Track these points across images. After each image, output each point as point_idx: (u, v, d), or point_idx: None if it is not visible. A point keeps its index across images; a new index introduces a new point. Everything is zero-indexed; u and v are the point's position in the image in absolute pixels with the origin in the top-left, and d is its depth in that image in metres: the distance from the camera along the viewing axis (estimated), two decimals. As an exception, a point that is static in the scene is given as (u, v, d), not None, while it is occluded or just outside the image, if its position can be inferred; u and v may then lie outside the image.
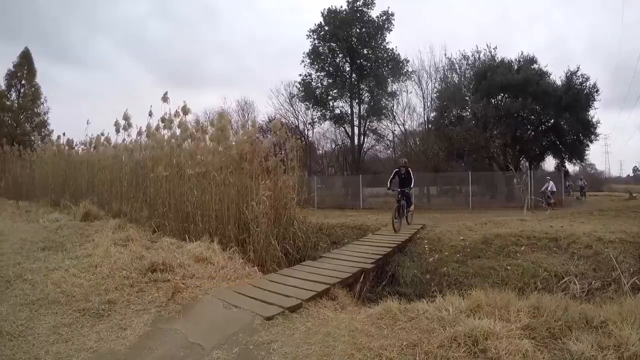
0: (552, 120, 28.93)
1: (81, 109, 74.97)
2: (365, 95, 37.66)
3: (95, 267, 6.78)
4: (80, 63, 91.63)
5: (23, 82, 40.86)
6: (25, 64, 40.68)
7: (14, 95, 40.63)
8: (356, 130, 38.15)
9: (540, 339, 3.64)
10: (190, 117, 11.89)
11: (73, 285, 5.97)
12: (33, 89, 41.26)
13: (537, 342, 3.56)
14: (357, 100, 37.31)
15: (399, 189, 12.86)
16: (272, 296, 5.60)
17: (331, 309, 5.41)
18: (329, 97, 37.78)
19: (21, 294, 5.72)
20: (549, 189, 22.53)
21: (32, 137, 37.18)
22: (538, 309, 4.09)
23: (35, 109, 41.60)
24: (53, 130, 39.97)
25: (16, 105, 40.36)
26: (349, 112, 37.71)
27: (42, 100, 41.95)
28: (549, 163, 33.98)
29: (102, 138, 15.28)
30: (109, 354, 4.24)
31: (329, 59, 37.00)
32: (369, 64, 36.51)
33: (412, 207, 13.99)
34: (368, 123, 38.28)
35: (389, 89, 37.06)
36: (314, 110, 38.76)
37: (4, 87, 40.04)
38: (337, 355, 3.82)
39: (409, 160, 15.03)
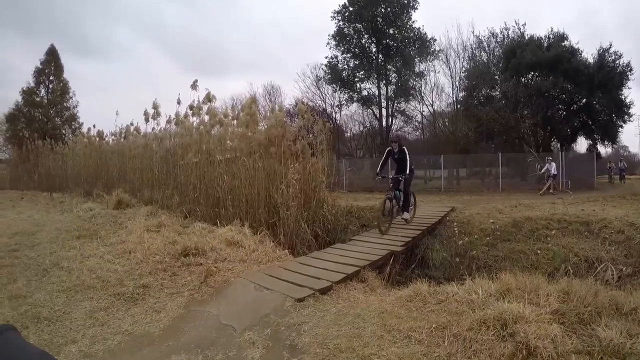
0: (584, 100, 28.13)
1: (105, 101, 76.31)
2: (393, 76, 37.43)
3: (129, 253, 6.99)
4: (101, 54, 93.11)
5: (51, 77, 41.73)
6: (52, 60, 41.49)
7: (42, 92, 41.53)
8: (384, 112, 38.02)
9: (569, 324, 3.62)
10: (218, 104, 11.97)
11: (108, 271, 6.16)
12: (61, 84, 42.09)
13: (566, 328, 3.55)
14: (384, 82, 37.06)
15: (391, 176, 10.14)
16: (302, 278, 5.69)
17: (361, 291, 5.47)
18: (356, 79, 37.67)
19: (58, 281, 5.92)
20: (551, 171, 21.21)
21: (63, 131, 38.76)
22: (568, 294, 4.07)
23: (65, 104, 42.46)
24: (83, 123, 41.06)
25: (46, 101, 41.21)
26: (376, 94, 37.57)
27: (70, 94, 42.92)
28: (581, 145, 33.25)
29: (132, 128, 15.67)
30: (143, 336, 4.38)
31: (354, 40, 36.76)
32: (395, 44, 36.14)
33: (413, 201, 10.72)
34: (396, 104, 38.04)
35: (416, 69, 36.64)
36: (341, 93, 38.78)
37: (32, 84, 40.96)
38: (366, 336, 3.88)
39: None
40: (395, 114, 38.56)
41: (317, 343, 3.88)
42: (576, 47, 28.19)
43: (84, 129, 27.92)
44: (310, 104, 37.96)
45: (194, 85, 11.51)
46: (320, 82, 39.41)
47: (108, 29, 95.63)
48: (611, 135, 29.25)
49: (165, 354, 3.95)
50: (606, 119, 28.40)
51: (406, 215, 10.24)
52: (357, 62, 37.14)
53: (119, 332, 4.44)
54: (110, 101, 74.93)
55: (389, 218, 9.68)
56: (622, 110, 27.76)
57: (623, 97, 27.50)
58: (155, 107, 13.49)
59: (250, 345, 4.00)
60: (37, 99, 40.76)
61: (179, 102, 12.50)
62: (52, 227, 9.82)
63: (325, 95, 39.88)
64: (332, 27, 38.37)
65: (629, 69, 26.95)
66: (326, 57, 37.76)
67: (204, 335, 4.32)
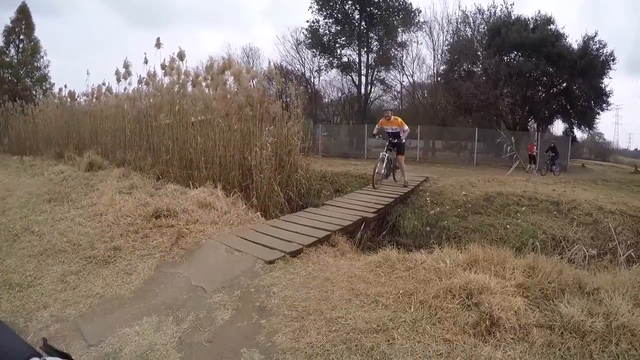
0: (564, 84, 28.62)
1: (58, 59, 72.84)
2: (374, 44, 37.39)
3: (100, 215, 6.90)
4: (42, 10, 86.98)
5: (22, 37, 40.27)
6: (23, 19, 39.91)
7: (12, 51, 40.15)
8: (363, 79, 38.01)
9: (533, 298, 3.70)
10: (193, 63, 11.75)
11: (79, 234, 6.09)
12: (32, 43, 40.63)
13: (530, 301, 3.63)
14: (365, 49, 36.97)
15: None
16: (274, 241, 5.70)
17: (331, 255, 5.53)
18: (337, 45, 37.53)
19: (29, 245, 5.83)
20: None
21: (34, 92, 37.54)
22: (533, 269, 4.14)
23: (35, 63, 41.08)
24: (54, 84, 40.01)
25: (15, 60, 39.90)
26: (357, 61, 37.52)
27: (41, 54, 41.50)
28: (558, 127, 33.80)
29: (104, 88, 15.21)
30: (115, 298, 4.38)
31: (337, 6, 36.38)
32: (379, 12, 35.94)
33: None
34: (376, 73, 38.07)
35: (399, 39, 36.80)
36: (320, 58, 38.50)
37: (2, 44, 39.54)
38: (335, 299, 3.93)
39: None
40: (375, 82, 38.59)
41: (286, 305, 3.92)
42: (562, 31, 28.67)
43: (55, 90, 27.22)
44: (289, 67, 37.64)
45: (158, 44, 11.23)
46: (300, 46, 38.92)
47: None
48: (588, 121, 30.02)
49: (137, 316, 3.95)
50: (584, 104, 29.07)
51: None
52: (338, 28, 36.82)
53: (90, 295, 4.42)
54: (60, 59, 71.30)
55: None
56: (601, 97, 28.43)
57: (603, 86, 28.10)
58: (125, 66, 13.15)
59: (221, 307, 4.03)
60: (7, 59, 39.41)
61: (146, 61, 12.21)
62: (22, 191, 9.71)
63: (305, 59, 39.46)
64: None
65: (612, 58, 27.49)
66: (307, 21, 37.40)
67: (174, 296, 4.33)
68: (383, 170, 11.00)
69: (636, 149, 70.59)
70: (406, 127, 11.19)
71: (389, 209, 9.36)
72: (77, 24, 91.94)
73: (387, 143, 11.12)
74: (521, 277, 3.98)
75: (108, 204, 7.40)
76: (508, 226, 8.70)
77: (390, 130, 11.19)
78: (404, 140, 11.29)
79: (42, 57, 41.44)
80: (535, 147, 23.68)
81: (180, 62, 11.32)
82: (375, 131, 12.16)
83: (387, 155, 10.99)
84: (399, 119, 11.25)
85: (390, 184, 11.26)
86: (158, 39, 11.33)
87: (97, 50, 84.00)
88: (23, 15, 39.93)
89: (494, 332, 3.19)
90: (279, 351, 3.22)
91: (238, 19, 77.34)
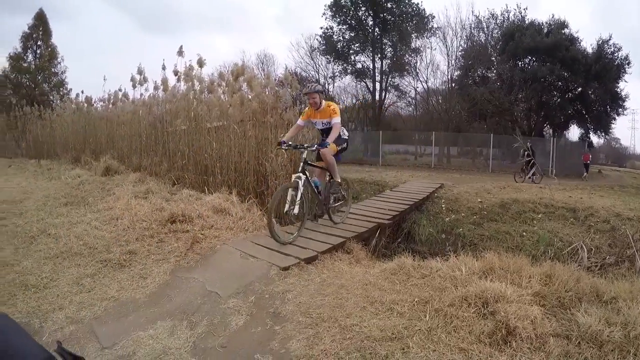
0: (579, 89, 28.44)
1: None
2: (388, 50, 37.55)
3: (116, 219, 6.95)
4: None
5: (39, 43, 41.06)
6: (40, 25, 40.90)
7: (30, 57, 40.94)
8: (377, 85, 38.13)
9: (550, 307, 3.65)
10: (208, 70, 11.80)
11: (95, 237, 6.13)
12: (49, 49, 41.47)
13: (546, 310, 3.58)
14: (379, 55, 37.11)
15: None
16: (288, 247, 5.69)
17: (346, 262, 5.50)
18: (351, 51, 37.74)
19: (45, 248, 5.88)
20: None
21: (51, 97, 38.17)
22: (550, 277, 4.10)
23: (53, 69, 42.00)
24: (71, 89, 40.92)
25: (33, 66, 40.57)
26: (371, 67, 37.65)
27: (59, 59, 42.35)
28: (574, 133, 33.53)
29: (120, 94, 15.34)
30: (129, 302, 4.39)
31: (351, 12, 36.56)
32: (392, 18, 36.02)
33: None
34: (390, 79, 38.16)
35: (413, 45, 36.90)
36: (334, 64, 38.80)
37: (20, 50, 40.37)
38: (349, 307, 3.91)
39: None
40: (389, 88, 38.71)
41: (301, 312, 3.91)
42: (576, 35, 28.51)
43: (72, 95, 27.68)
44: (304, 74, 37.76)
45: (180, 52, 11.30)
46: (314, 52, 39.16)
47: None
48: (604, 126, 29.72)
49: (151, 320, 3.97)
50: (600, 109, 28.84)
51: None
52: (352, 34, 37.01)
53: (105, 298, 4.44)
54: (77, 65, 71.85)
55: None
56: (616, 102, 28.19)
57: (619, 90, 27.91)
58: (140, 72, 13.26)
59: (235, 312, 4.03)
60: (25, 65, 40.20)
61: (164, 68, 12.27)
62: (39, 195, 9.82)
63: (319, 66, 39.86)
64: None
65: (627, 62, 27.20)
66: (321, 28, 37.62)
67: (189, 301, 4.34)
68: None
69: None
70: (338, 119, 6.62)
71: (404, 215, 9.30)
72: (85, 26, 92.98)
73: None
74: (538, 286, 3.94)
75: (124, 208, 7.45)
76: (524, 233, 8.64)
77: (321, 127, 7.04)
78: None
79: (60, 62, 42.36)
80: (589, 157, 23.42)
81: (200, 68, 11.37)
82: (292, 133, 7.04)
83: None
84: (333, 106, 6.76)
85: (405, 190, 11.16)
86: (181, 47, 11.41)
87: (102, 53, 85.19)
88: (40, 22, 40.81)
89: (510, 342, 3.15)
90: (292, 358, 3.22)
91: (247, 24, 78.18)
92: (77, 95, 20.05)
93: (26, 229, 6.79)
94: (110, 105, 16.28)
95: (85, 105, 18.24)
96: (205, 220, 6.76)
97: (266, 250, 5.62)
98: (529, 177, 18.83)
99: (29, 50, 40.70)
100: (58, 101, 31.88)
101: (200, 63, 11.22)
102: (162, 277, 4.99)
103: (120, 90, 15.40)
